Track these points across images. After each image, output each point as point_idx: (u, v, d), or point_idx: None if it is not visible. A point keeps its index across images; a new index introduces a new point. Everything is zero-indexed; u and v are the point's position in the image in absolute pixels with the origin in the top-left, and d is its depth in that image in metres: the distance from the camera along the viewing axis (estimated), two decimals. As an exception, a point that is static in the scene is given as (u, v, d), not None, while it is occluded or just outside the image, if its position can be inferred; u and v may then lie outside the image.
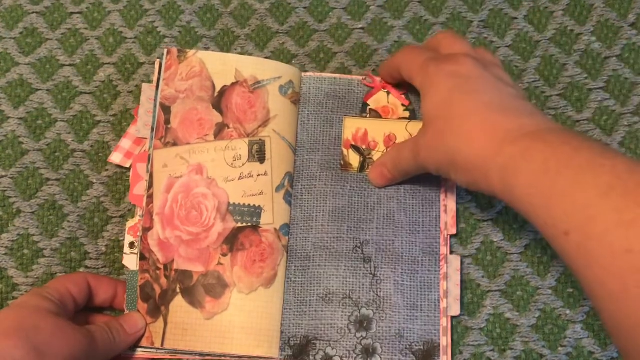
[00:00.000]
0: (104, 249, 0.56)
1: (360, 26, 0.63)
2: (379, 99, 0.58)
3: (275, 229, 0.54)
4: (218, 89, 0.56)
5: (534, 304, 0.54)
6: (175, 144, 0.54)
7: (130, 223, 0.54)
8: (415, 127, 0.57)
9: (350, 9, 0.64)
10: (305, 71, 0.61)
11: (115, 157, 0.57)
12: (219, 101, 0.56)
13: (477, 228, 0.56)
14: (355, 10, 0.64)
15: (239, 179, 0.54)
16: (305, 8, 0.64)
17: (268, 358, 0.52)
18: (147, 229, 0.53)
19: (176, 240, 0.53)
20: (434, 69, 0.48)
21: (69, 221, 0.57)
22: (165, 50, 0.56)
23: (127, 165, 0.57)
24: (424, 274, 0.53)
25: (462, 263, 0.55)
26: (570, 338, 0.53)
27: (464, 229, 0.56)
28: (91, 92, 0.60)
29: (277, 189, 0.55)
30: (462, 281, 0.55)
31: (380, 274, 0.53)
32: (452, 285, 0.52)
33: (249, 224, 0.54)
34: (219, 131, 0.55)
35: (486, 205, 0.57)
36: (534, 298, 0.54)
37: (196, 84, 0.55)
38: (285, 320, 0.53)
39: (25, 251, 0.56)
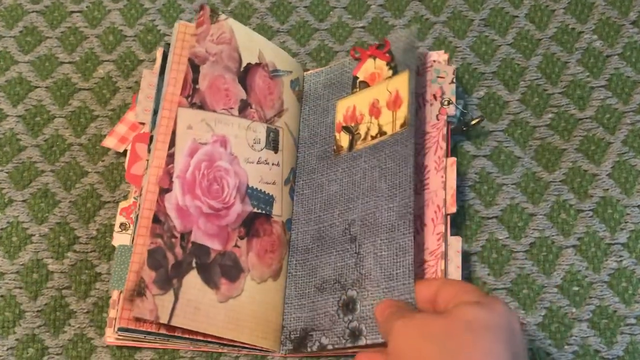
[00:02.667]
0: (94, 232, 0.55)
1: (360, 25, 0.63)
2: (367, 68, 0.58)
3: (282, 222, 0.54)
4: (244, 64, 0.55)
5: (539, 302, 0.53)
6: (201, 107, 0.53)
7: (123, 204, 0.53)
8: (395, 84, 0.55)
9: (350, 8, 0.64)
10: (307, 69, 0.61)
11: (109, 142, 0.56)
12: (244, 77, 0.55)
13: (482, 225, 0.56)
14: (356, 9, 0.64)
15: (257, 162, 0.53)
16: (305, 7, 0.64)
17: (271, 351, 0.51)
18: (164, 190, 0.50)
19: (196, 210, 0.51)
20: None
21: (60, 207, 0.56)
22: (200, 5, 0.55)
23: (121, 150, 0.56)
24: (399, 238, 0.49)
25: (467, 261, 0.54)
26: (576, 336, 0.52)
27: (469, 226, 0.56)
28: (90, 88, 0.60)
29: (285, 182, 0.55)
30: (467, 279, 0.54)
31: (362, 251, 0.50)
32: (453, 268, 0.51)
33: (263, 212, 0.53)
34: (243, 108, 0.54)
35: (491, 203, 0.56)
36: (540, 296, 0.53)
37: (225, 52, 0.55)
38: (287, 315, 0.52)
39: (14, 238, 0.55)
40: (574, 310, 0.53)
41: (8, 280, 0.54)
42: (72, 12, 0.63)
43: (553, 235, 0.55)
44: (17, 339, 0.52)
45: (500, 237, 0.55)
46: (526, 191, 0.57)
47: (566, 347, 0.52)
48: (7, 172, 0.57)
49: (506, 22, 0.63)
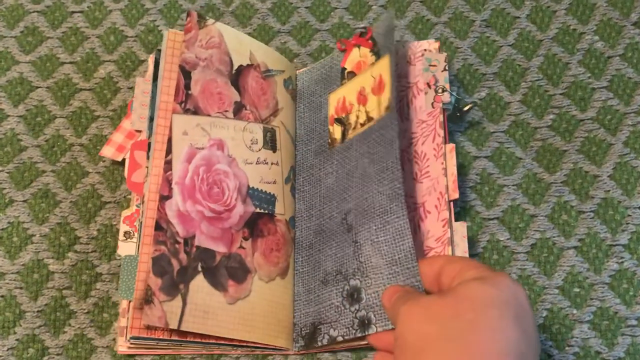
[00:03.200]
0: (95, 233, 0.55)
1: (362, 26, 0.63)
2: (353, 58, 0.58)
3: (286, 220, 0.54)
4: (235, 66, 0.56)
5: (540, 304, 0.53)
6: (195, 113, 0.53)
7: (126, 212, 0.53)
8: (378, 69, 0.55)
9: (352, 9, 0.64)
10: (299, 68, 0.61)
11: (107, 151, 0.56)
12: (236, 79, 0.55)
13: (483, 227, 0.56)
14: (357, 10, 0.64)
15: (256, 163, 0.54)
16: (307, 8, 0.64)
17: (284, 349, 0.51)
18: (164, 198, 0.50)
19: (197, 215, 0.51)
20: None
21: (60, 207, 0.56)
22: (186, 13, 0.55)
23: (119, 159, 0.56)
24: (393, 222, 0.48)
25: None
26: (577, 338, 0.52)
27: (470, 227, 0.55)
28: (91, 88, 0.60)
29: (286, 181, 0.55)
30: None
31: (359, 239, 0.50)
32: (459, 253, 0.51)
33: (266, 211, 0.53)
34: (238, 110, 0.54)
35: (492, 204, 0.56)
36: (541, 297, 0.53)
37: (215, 56, 0.55)
38: (297, 312, 0.52)
39: (15, 239, 0.55)
40: (574, 311, 0.53)
41: (8, 281, 0.54)
42: (73, 12, 0.63)
43: (554, 237, 0.55)
44: (17, 339, 0.52)
45: (501, 238, 0.55)
46: (527, 192, 0.57)
47: (567, 348, 0.52)
48: (8, 172, 0.57)
49: (507, 22, 0.63)
